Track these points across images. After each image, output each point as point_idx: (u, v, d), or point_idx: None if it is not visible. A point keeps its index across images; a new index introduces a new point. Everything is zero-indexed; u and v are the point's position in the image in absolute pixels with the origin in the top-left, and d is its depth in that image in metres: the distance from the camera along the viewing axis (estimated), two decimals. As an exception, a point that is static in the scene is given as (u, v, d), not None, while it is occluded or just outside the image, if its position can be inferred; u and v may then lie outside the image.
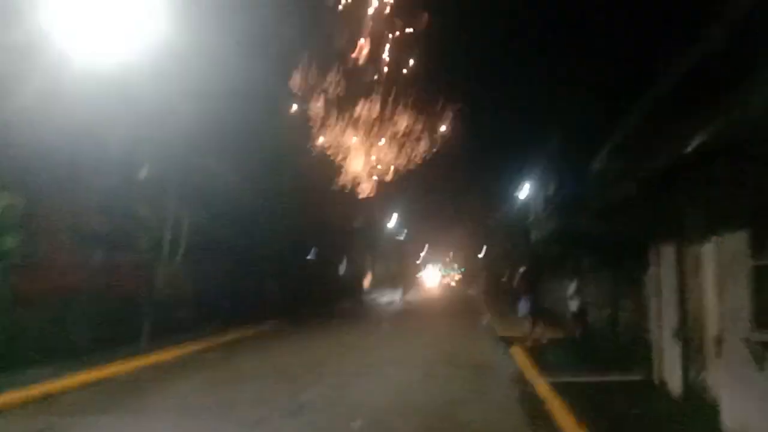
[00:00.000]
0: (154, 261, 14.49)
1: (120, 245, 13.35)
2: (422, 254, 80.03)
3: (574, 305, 13.67)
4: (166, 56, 11.71)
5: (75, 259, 12.02)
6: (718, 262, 6.24)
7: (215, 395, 8.57)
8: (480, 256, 57.70)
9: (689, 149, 5.47)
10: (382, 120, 25.42)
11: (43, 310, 10.66)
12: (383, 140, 25.57)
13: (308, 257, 28.94)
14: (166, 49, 11.51)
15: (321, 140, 23.13)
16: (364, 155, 26.20)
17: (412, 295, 39.53)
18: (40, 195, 10.77)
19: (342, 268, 36.48)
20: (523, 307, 13.42)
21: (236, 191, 16.72)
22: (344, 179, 25.30)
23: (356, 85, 23.37)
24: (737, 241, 5.66)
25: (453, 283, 77.46)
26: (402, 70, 24.34)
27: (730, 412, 5.87)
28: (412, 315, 25.53)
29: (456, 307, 30.60)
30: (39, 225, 10.94)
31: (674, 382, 7.59)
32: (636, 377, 8.81)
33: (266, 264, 21.38)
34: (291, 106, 20.23)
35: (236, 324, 16.39)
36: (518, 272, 13.98)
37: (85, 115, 10.73)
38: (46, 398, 8.26)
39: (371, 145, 26.25)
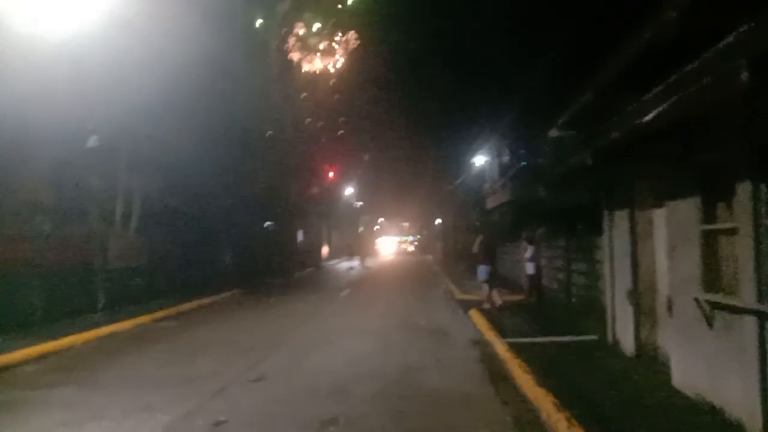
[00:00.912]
0: (106, 232, 14.12)
1: (71, 216, 12.96)
2: (379, 222, 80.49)
3: (530, 269, 14.06)
4: (117, 26, 11.26)
5: (24, 231, 11.61)
6: (669, 227, 6.49)
7: (173, 366, 8.50)
8: (436, 223, 58.35)
9: (642, 121, 5.61)
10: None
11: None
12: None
13: (265, 226, 28.70)
14: (117, 19, 11.07)
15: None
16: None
17: (370, 263, 39.74)
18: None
19: (299, 237, 36.35)
20: (482, 272, 13.75)
21: (190, 161, 16.34)
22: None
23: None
24: (688, 206, 5.88)
25: (410, 249, 78.27)
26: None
27: (679, 369, 6.19)
28: (370, 282, 25.72)
29: (413, 274, 30.97)
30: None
31: (627, 342, 7.93)
32: (591, 337, 9.16)
33: (222, 233, 21.13)
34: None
35: (192, 294, 16.22)
36: (477, 239, 14.27)
37: (33, 85, 10.26)
38: (1, 370, 8.07)
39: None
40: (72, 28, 10.27)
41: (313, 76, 24.32)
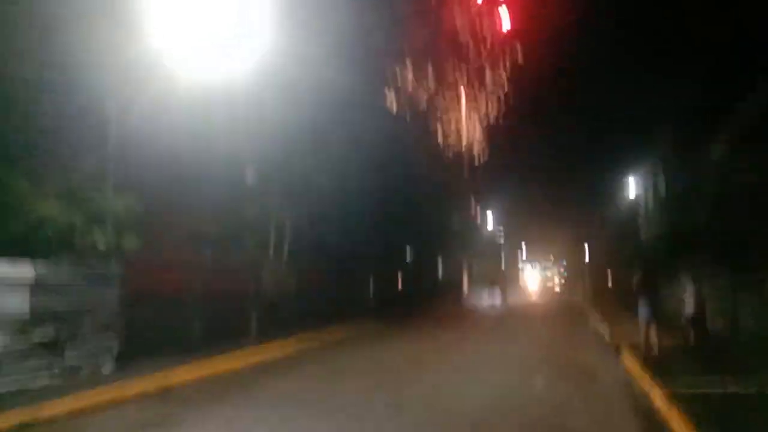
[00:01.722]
0: (261, 260, 15.11)
1: (228, 245, 14.05)
2: (522, 255, 78.08)
3: (689, 308, 12.69)
4: (267, 67, 12.28)
5: (187, 258, 12.77)
6: None
7: (318, 391, 8.78)
8: (585, 257, 55.34)
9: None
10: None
11: (158, 307, 11.38)
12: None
13: (407, 260, 29.06)
14: (267, 62, 12.08)
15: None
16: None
17: (512, 300, 38.28)
18: (155, 199, 11.54)
19: (440, 270, 36.30)
20: (643, 312, 12.50)
21: (336, 193, 17.10)
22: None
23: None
24: None
25: (557, 289, 73.81)
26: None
27: None
28: (515, 322, 24.76)
29: (561, 311, 29.49)
30: (154, 226, 11.72)
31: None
32: (759, 388, 8.01)
33: (365, 264, 21.72)
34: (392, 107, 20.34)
35: (336, 323, 16.74)
36: (636, 275, 13.04)
37: (194, 124, 11.47)
38: (162, 391, 8.76)
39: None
40: (227, 75, 11.37)
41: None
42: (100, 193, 10.58)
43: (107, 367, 9.68)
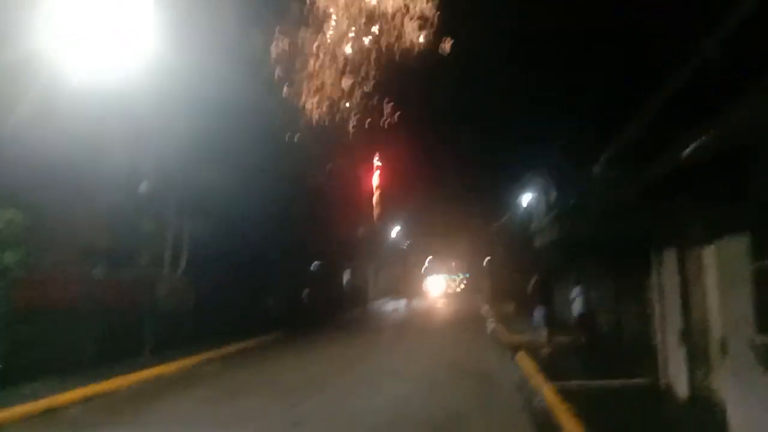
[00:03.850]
0: (156, 275, 14.50)
1: (122, 259, 13.38)
2: (426, 263, 79.90)
3: (576, 309, 13.61)
4: (160, 73, 11.80)
5: (77, 273, 12.04)
6: (719, 266, 6.21)
7: (215, 408, 8.54)
8: (484, 264, 57.51)
9: (688, 155, 5.46)
10: None
11: (46, 324, 10.67)
12: None
13: (311, 267, 28.90)
14: (160, 67, 11.61)
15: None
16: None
17: (417, 303, 39.34)
18: (42, 210, 10.80)
19: (345, 278, 36.43)
20: (538, 315, 13.27)
21: (235, 203, 16.73)
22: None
23: None
24: (738, 244, 5.63)
25: (458, 289, 77.25)
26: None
27: (736, 415, 5.81)
28: (416, 323, 25.44)
29: (461, 315, 30.48)
30: (41, 240, 10.96)
31: (680, 386, 7.54)
32: (642, 381, 8.75)
33: (268, 275, 21.37)
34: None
35: (238, 336, 16.35)
36: (532, 280, 13.82)
37: (85, 131, 10.83)
38: (48, 412, 8.28)
39: None
40: (120, 76, 10.82)
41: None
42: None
43: (-16, 392, 8.94)
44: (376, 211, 38.02)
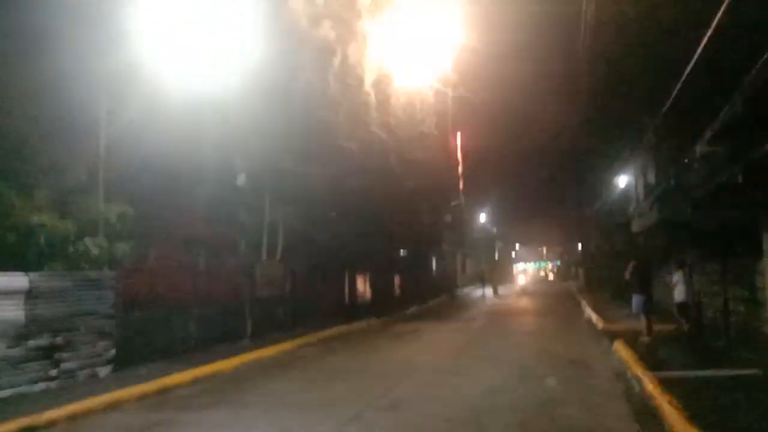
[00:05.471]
0: (254, 263, 15.16)
1: (222, 249, 14.10)
2: (515, 249, 78.53)
3: (679, 296, 12.89)
4: (257, 75, 12.35)
5: (181, 263, 12.82)
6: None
7: (313, 391, 8.85)
8: (578, 248, 55.70)
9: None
10: None
11: (153, 311, 11.43)
12: None
13: (400, 255, 29.18)
14: (257, 70, 12.18)
15: None
16: None
17: (506, 291, 38.77)
18: (147, 205, 11.59)
19: (434, 265, 36.48)
20: (637, 302, 12.66)
21: (326, 193, 17.15)
22: None
23: None
24: None
25: (550, 277, 75.23)
26: None
27: None
28: (506, 311, 25.10)
29: (553, 303, 29.77)
30: (148, 232, 11.76)
31: (796, 379, 7.02)
32: (752, 371, 8.21)
33: (358, 262, 21.79)
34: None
35: (330, 322, 16.83)
36: (629, 265, 13.15)
37: (184, 130, 11.51)
38: (160, 393, 8.84)
39: None
40: (217, 80, 11.43)
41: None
42: (91, 200, 10.62)
43: (104, 371, 9.75)
44: (461, 190, 37.63)
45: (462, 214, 39.45)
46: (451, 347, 13.57)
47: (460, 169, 37.22)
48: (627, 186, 28.20)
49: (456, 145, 36.14)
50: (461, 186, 37.76)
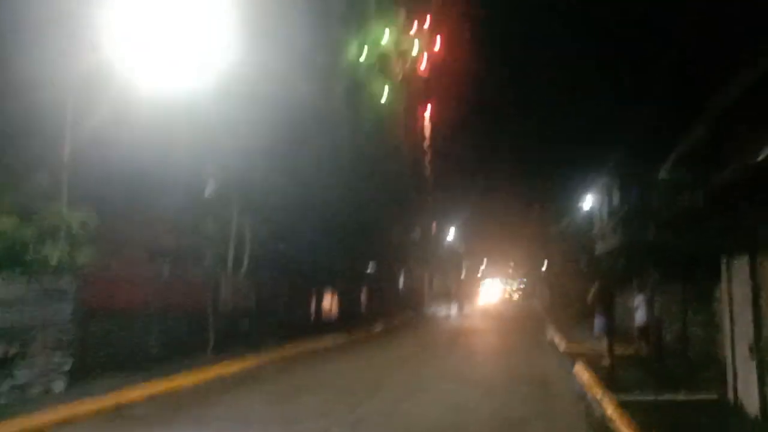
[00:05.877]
0: (219, 275, 14.92)
1: (186, 260, 13.84)
2: (482, 267, 79.11)
3: (639, 318, 13.13)
4: (230, 80, 12.22)
5: (144, 273, 12.53)
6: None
7: (277, 407, 8.71)
8: (543, 269, 56.40)
9: (763, 158, 5.21)
10: None
11: (114, 322, 11.13)
12: None
13: (367, 271, 29.11)
14: (230, 73, 12.02)
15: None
16: None
17: (472, 308, 38.96)
18: (111, 213, 11.30)
19: (401, 282, 36.50)
20: (599, 325, 12.79)
21: (294, 206, 17.03)
22: None
23: None
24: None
25: (515, 297, 75.97)
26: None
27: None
28: (472, 329, 25.22)
29: (517, 321, 30.03)
30: (111, 241, 11.47)
31: (751, 402, 7.19)
32: (709, 396, 8.39)
33: (326, 277, 21.65)
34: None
35: (296, 337, 16.63)
36: (593, 288, 13.31)
37: (152, 136, 11.28)
38: (116, 409, 8.56)
39: None
40: (189, 84, 11.25)
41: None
42: (54, 206, 10.32)
43: (59, 385, 9.41)
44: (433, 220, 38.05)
45: (430, 232, 39.68)
46: (417, 364, 13.54)
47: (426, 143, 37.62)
48: (592, 207, 28.73)
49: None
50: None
